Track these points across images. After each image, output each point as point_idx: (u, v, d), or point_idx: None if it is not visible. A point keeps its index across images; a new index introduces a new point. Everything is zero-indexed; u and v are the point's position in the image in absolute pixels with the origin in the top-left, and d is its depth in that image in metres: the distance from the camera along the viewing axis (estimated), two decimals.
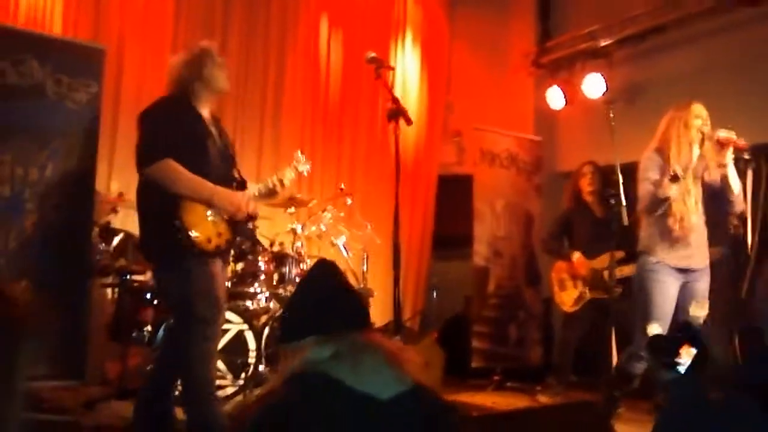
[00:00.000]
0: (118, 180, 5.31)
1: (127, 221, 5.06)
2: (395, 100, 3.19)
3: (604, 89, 6.15)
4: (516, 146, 6.40)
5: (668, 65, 5.97)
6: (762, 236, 4.18)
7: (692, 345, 2.05)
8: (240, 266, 4.64)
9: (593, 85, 6.20)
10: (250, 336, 4.39)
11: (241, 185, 3.29)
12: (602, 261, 4.85)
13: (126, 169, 5.47)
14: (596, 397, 4.15)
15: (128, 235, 4.62)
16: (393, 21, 7.20)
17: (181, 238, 2.99)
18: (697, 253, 3.66)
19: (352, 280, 5.32)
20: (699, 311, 3.65)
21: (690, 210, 3.62)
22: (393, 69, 3.47)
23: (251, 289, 4.67)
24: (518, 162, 6.37)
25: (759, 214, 4.12)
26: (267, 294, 4.73)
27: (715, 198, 3.68)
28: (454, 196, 6.82)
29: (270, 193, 3.34)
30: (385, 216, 6.39)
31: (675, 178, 3.52)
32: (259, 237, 5.19)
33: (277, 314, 4.67)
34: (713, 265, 3.72)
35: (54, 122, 4.31)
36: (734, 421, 1.71)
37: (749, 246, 4.20)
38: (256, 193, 3.28)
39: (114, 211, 4.72)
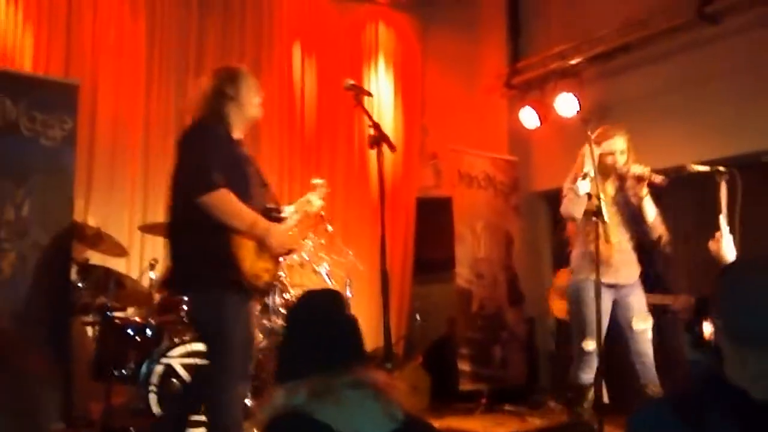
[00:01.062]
0: (95, 216, 5.26)
1: (106, 258, 5.00)
2: (377, 127, 3.17)
3: (577, 108, 6.23)
4: (492, 167, 6.45)
5: (637, 83, 6.07)
6: (739, 248, 4.24)
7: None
8: None
9: (566, 105, 6.27)
10: None
11: (278, 212, 3.21)
12: None
13: (103, 204, 5.43)
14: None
15: (108, 272, 4.56)
16: (365, 46, 7.26)
17: (233, 272, 2.90)
18: (623, 270, 3.77)
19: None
20: (642, 324, 3.76)
21: (610, 235, 3.75)
22: (372, 95, 3.45)
23: None
24: (495, 183, 6.42)
25: (736, 227, 4.18)
26: None
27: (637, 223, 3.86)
28: (432, 219, 6.83)
29: (304, 218, 3.31)
30: (366, 242, 6.41)
31: (584, 176, 3.68)
32: None
33: (262, 345, 4.63)
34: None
35: (29, 160, 4.26)
36: None
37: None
38: (294, 221, 3.22)
39: (92, 248, 4.65)
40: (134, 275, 5.10)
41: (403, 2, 7.35)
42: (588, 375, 3.83)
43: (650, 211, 3.82)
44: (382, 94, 7.23)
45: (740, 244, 4.23)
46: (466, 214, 6.15)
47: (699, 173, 4.30)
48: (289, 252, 3.13)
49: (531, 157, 7.02)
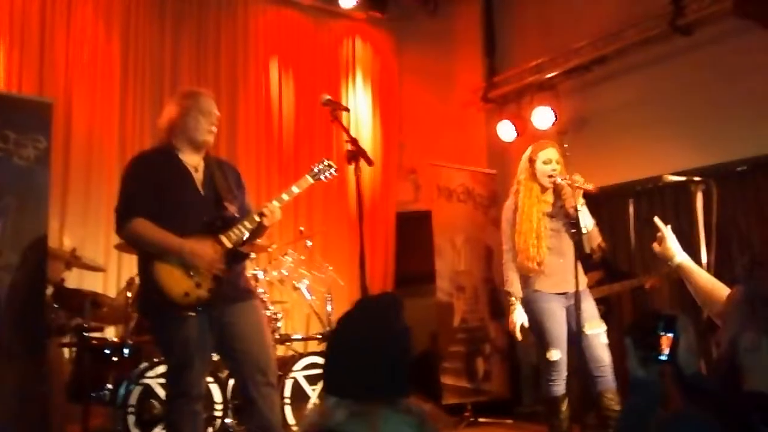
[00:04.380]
0: (70, 237, 5.18)
1: (82, 278, 4.94)
2: (354, 142, 3.18)
3: (553, 120, 6.28)
4: (471, 180, 6.46)
5: (613, 94, 6.13)
6: (716, 257, 4.28)
7: (668, 333, 1.91)
8: None
9: (542, 117, 6.32)
10: (215, 388, 4.28)
11: (226, 225, 3.11)
12: None
13: (78, 225, 5.36)
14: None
15: (83, 293, 4.49)
16: (342, 61, 7.26)
17: (158, 296, 2.99)
18: (570, 278, 3.70)
19: (317, 324, 5.28)
20: (595, 329, 3.76)
21: (542, 245, 3.84)
22: (348, 111, 3.45)
23: None
24: (474, 196, 6.43)
25: (712, 235, 4.21)
26: None
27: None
28: (412, 233, 6.82)
29: (258, 230, 3.18)
30: (346, 257, 6.39)
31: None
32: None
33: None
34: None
35: (2, 180, 4.17)
36: None
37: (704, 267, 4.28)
38: (246, 236, 3.13)
39: (68, 268, 4.58)
40: (111, 295, 5.03)
41: (379, 18, 7.38)
42: (558, 386, 3.79)
43: (587, 220, 3.84)
44: (359, 109, 7.24)
45: (717, 252, 4.27)
46: (446, 228, 6.15)
47: (675, 183, 4.35)
48: (214, 268, 3.03)
49: (509, 169, 7.01)
